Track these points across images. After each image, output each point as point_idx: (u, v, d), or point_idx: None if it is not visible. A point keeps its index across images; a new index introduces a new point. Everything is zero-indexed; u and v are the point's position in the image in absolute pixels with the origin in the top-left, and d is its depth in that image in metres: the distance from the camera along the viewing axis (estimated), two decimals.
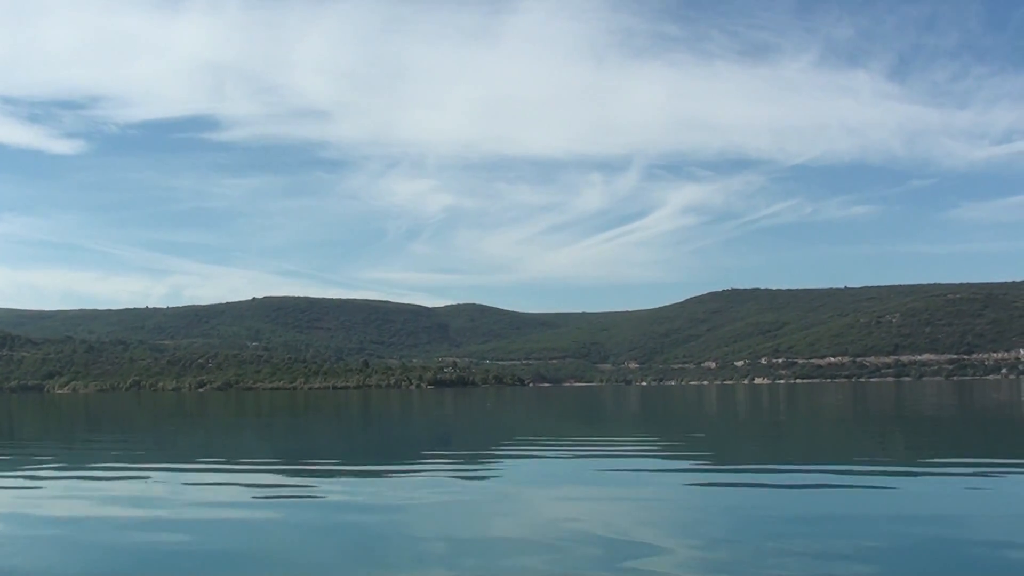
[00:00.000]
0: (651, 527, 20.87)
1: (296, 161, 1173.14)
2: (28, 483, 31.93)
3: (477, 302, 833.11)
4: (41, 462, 40.31)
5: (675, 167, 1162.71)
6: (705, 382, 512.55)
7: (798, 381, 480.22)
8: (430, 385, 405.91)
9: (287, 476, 33.89)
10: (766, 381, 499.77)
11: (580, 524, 21.25)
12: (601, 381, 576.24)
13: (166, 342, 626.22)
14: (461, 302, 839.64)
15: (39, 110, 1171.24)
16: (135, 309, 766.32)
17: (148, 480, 32.33)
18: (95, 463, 39.57)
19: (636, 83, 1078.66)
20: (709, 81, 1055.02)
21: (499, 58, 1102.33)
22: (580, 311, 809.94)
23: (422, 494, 27.23)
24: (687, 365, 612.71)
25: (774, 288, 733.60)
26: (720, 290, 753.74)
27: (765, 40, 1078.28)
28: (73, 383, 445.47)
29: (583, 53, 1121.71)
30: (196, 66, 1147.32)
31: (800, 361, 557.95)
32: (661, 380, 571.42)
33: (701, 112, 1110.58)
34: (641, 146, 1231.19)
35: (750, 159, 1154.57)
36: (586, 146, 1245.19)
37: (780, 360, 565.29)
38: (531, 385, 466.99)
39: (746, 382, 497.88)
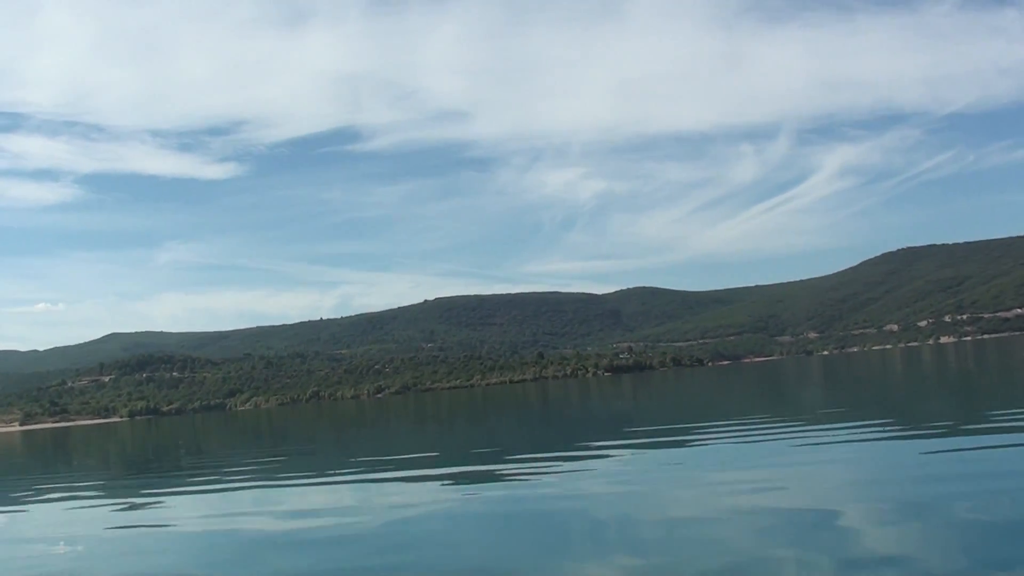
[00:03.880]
0: (847, 515, 20.06)
1: (443, 163, 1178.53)
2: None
3: (646, 285, 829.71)
4: (234, 476, 41.28)
5: (826, 129, 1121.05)
6: (888, 346, 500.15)
7: (985, 337, 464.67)
8: (607, 372, 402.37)
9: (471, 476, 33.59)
10: (952, 339, 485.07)
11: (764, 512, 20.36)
12: (781, 354, 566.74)
13: (342, 351, 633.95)
14: (629, 287, 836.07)
15: (188, 139, 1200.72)
16: (309, 322, 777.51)
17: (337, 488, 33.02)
18: (282, 475, 40.42)
19: (774, 47, 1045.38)
20: (851, 37, 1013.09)
21: (628, 37, 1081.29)
22: (752, 284, 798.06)
23: (606, 480, 27.01)
24: (868, 330, 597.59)
25: (950, 242, 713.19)
26: (894, 250, 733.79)
27: None
28: (254, 399, 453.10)
29: (713, 22, 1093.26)
30: (329, 80, 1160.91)
31: (986, 316, 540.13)
32: (843, 348, 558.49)
33: (846, 70, 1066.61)
34: (788, 111, 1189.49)
35: (903, 112, 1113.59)
36: (731, 117, 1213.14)
37: (964, 316, 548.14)
38: (710, 364, 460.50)
39: (931, 342, 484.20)
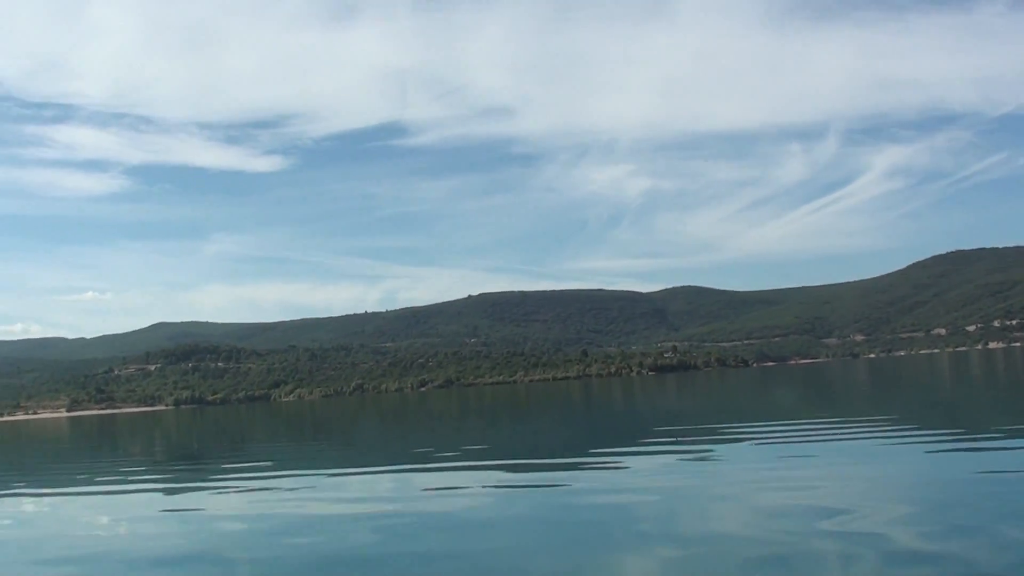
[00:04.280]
0: (878, 517, 19.60)
1: (489, 159, 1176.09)
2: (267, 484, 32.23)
3: (692, 284, 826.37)
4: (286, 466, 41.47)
5: (875, 129, 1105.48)
6: (936, 350, 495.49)
7: None
8: (651, 371, 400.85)
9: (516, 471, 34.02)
10: (1001, 345, 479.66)
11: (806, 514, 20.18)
12: (827, 357, 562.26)
13: (387, 345, 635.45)
14: (675, 285, 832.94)
15: (235, 132, 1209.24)
16: (354, 315, 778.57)
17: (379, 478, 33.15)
18: (325, 465, 40.29)
19: (823, 46, 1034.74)
20: (901, 36, 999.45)
21: (676, 34, 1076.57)
22: (799, 285, 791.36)
23: (647, 481, 26.97)
24: (916, 334, 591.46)
25: (1001, 246, 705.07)
26: (943, 253, 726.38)
27: None
28: (298, 390, 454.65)
29: (763, 20, 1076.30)
30: (376, 75, 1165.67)
31: None
32: (890, 351, 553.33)
33: (896, 69, 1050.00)
34: (837, 111, 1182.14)
35: (953, 114, 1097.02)
36: (779, 116, 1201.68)
37: (1014, 322, 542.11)
38: (755, 365, 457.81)
39: (980, 347, 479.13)
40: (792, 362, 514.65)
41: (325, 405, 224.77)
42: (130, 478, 40.62)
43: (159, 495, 33.09)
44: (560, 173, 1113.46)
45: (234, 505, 28.49)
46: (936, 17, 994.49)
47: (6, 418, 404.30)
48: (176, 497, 31.96)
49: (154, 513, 27.69)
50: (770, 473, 26.62)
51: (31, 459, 71.78)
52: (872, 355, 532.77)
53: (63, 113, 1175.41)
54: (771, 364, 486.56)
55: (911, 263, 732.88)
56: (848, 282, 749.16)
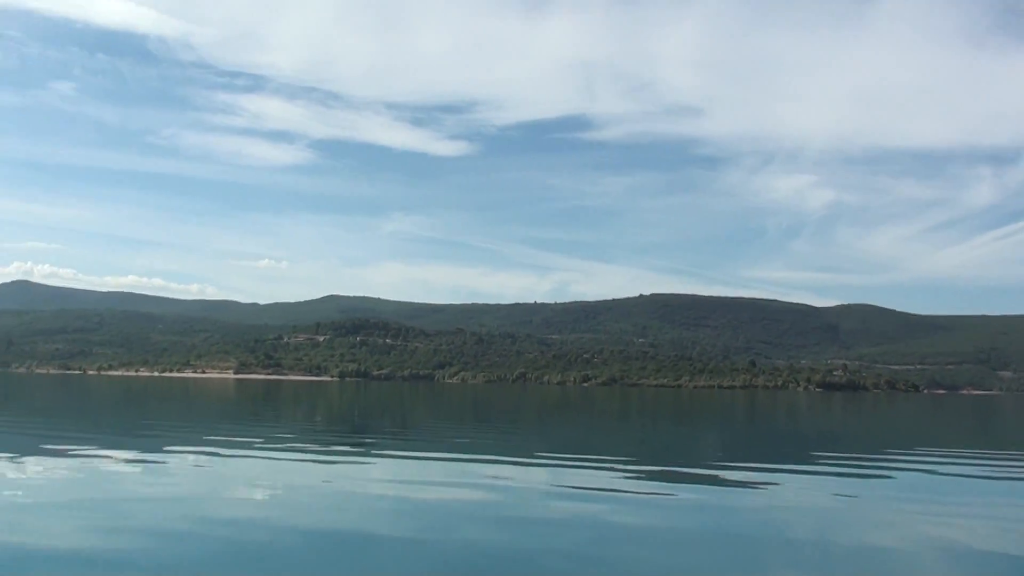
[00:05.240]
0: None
1: (672, 158, 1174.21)
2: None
3: (868, 303, 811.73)
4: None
5: None
6: None
7: None
8: (818, 388, 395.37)
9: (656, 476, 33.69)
10: None
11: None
12: (1000, 390, 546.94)
13: (553, 336, 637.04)
14: (850, 302, 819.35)
15: (421, 114, 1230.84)
16: (524, 304, 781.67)
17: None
18: (479, 451, 40.54)
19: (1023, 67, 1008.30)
20: None
21: (871, 45, 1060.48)
22: (977, 313, 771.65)
23: (797, 501, 26.70)
24: None
25: None
26: None
27: None
28: (462, 373, 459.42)
29: (961, 36, 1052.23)
30: (565, 66, 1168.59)
31: None
32: None
33: None
34: None
35: None
36: (972, 136, 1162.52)
37: None
38: (926, 392, 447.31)
39: None
40: (964, 391, 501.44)
41: (487, 390, 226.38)
42: (295, 442, 41.23)
43: (320, 459, 33.46)
44: (743, 178, 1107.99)
45: (387, 473, 29.14)
46: None
47: (175, 374, 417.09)
48: (334, 463, 32.35)
49: (294, 484, 28.17)
50: (940, 507, 25.93)
51: (208, 418, 73.38)
52: None
53: (254, 83, 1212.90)
54: (942, 392, 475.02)
55: None
56: None
